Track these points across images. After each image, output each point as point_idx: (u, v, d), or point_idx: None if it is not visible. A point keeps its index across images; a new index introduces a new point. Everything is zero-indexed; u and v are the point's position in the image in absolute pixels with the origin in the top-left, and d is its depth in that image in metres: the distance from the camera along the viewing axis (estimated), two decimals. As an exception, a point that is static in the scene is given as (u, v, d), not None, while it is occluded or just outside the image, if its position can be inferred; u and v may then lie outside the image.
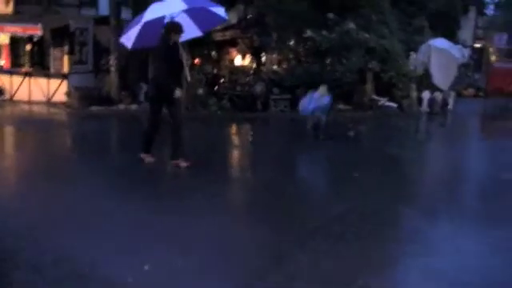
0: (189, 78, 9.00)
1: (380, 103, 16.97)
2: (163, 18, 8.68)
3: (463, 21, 31.96)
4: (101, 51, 19.51)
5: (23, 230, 5.61)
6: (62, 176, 8.44)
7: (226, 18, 10.16)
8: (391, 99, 17.20)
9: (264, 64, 20.05)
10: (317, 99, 11.54)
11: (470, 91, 24.69)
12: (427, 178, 9.33)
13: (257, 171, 9.13)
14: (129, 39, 8.91)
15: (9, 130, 14.30)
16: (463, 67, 24.03)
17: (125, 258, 4.91)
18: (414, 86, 17.55)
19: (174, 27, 8.45)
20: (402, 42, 18.55)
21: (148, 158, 8.83)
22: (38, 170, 9.01)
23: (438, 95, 17.70)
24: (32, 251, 5.03)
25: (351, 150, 11.08)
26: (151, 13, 8.74)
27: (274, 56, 19.75)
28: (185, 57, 8.62)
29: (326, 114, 11.78)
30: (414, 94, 17.55)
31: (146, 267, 4.67)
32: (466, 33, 34.94)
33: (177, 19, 8.68)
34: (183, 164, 8.45)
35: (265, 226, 5.93)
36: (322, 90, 11.61)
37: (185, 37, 8.78)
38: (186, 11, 8.83)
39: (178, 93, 8.36)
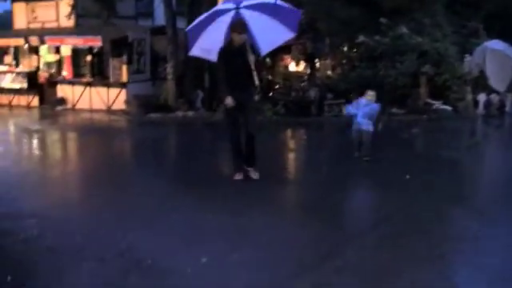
0: (257, 82, 7.90)
1: (434, 106, 16.88)
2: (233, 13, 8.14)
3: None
4: (158, 60, 20.11)
5: (90, 226, 6.12)
6: (123, 179, 9.00)
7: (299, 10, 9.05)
8: (446, 102, 17.08)
9: (318, 69, 20.20)
10: (363, 106, 9.73)
11: (529, 93, 24.19)
12: (481, 179, 9.34)
13: (311, 175, 9.32)
14: (210, 52, 8.23)
15: (72, 137, 15.12)
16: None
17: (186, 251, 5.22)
18: (469, 88, 17.36)
19: (234, 27, 7.81)
20: (456, 44, 18.40)
21: (238, 176, 8.19)
22: (102, 173, 9.58)
23: (495, 97, 17.48)
24: (97, 245, 5.42)
25: (404, 153, 11.11)
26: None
27: (328, 61, 19.88)
28: (252, 60, 7.80)
29: (374, 125, 9.74)
30: (470, 96, 17.35)
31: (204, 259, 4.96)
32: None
33: (257, 23, 8.08)
34: (239, 176, 8.13)
35: (317, 225, 6.13)
36: (370, 95, 9.78)
37: (278, 41, 8.55)
38: (265, 11, 8.15)
39: (228, 101, 7.73)
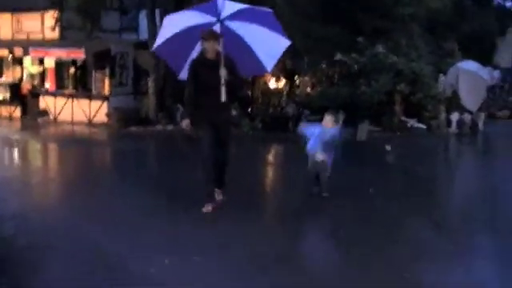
0: (223, 99, 7.00)
1: (409, 124, 17.34)
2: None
3: (501, 42, 32.01)
4: (140, 74, 20.39)
5: (65, 228, 6.55)
6: (98, 186, 9.45)
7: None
8: (420, 120, 17.56)
9: (298, 86, 20.61)
10: (318, 134, 8.05)
11: (505, 113, 24.69)
12: (442, 194, 9.72)
13: (283, 192, 9.62)
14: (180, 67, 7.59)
15: (53, 147, 15.47)
16: (498, 89, 24.21)
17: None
18: (442, 107, 17.85)
19: (203, 34, 7.03)
20: (431, 64, 18.94)
21: (206, 208, 7.19)
22: (79, 182, 10.06)
23: (467, 116, 17.92)
24: (71, 247, 5.79)
25: (373, 168, 11.44)
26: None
27: (307, 79, 20.29)
28: (223, 74, 6.93)
29: (332, 153, 8.13)
30: (443, 115, 17.83)
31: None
32: (504, 54, 34.87)
33: (252, 35, 7.37)
34: (207, 208, 7.16)
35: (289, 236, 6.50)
36: (328, 120, 8.08)
37: (279, 51, 7.56)
38: (250, 18, 7.39)
39: (184, 123, 7.18)
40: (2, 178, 10.09)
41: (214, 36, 6.99)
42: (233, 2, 7.50)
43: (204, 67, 7.03)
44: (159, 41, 7.57)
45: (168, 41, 7.45)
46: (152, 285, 4.86)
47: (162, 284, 4.88)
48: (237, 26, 7.36)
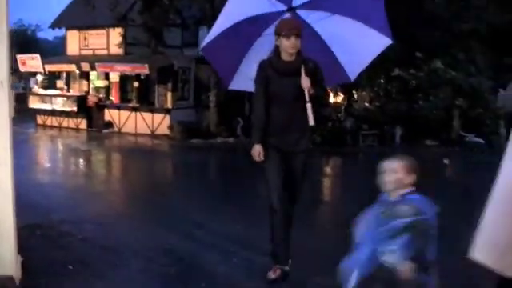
0: (311, 122, 4.83)
1: (467, 139, 17.32)
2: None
3: None
4: (201, 88, 20.99)
5: (136, 231, 6.94)
6: (163, 194, 10.00)
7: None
8: (479, 135, 17.50)
9: (356, 101, 20.80)
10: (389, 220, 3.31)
11: None
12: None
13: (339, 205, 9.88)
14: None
15: (118, 157, 16.25)
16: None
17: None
18: (502, 122, 17.77)
19: (280, 27, 4.84)
20: (491, 79, 18.83)
21: (272, 274, 4.96)
22: (144, 189, 10.62)
23: (528, 131, 17.71)
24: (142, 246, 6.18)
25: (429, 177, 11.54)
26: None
27: (365, 93, 20.48)
28: (306, 86, 4.78)
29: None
30: (503, 130, 17.73)
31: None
32: None
33: (333, 32, 5.24)
34: (271, 275, 4.97)
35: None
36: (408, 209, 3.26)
37: (371, 53, 5.21)
38: (335, 8, 5.14)
39: (255, 151, 4.94)
40: (76, 187, 10.71)
41: (297, 29, 4.84)
42: None
43: (277, 74, 4.94)
44: (207, 39, 5.49)
45: (217, 39, 5.37)
46: (220, 284, 5.18)
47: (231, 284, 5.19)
48: (313, 18, 5.28)
